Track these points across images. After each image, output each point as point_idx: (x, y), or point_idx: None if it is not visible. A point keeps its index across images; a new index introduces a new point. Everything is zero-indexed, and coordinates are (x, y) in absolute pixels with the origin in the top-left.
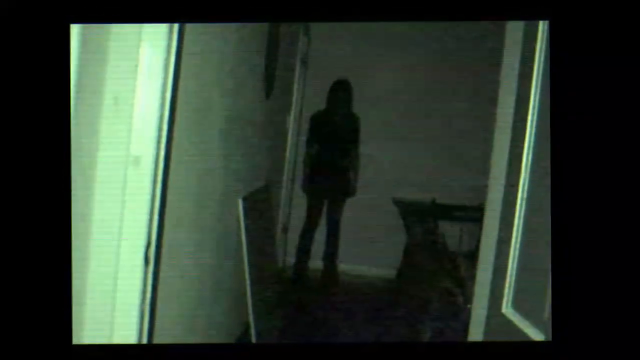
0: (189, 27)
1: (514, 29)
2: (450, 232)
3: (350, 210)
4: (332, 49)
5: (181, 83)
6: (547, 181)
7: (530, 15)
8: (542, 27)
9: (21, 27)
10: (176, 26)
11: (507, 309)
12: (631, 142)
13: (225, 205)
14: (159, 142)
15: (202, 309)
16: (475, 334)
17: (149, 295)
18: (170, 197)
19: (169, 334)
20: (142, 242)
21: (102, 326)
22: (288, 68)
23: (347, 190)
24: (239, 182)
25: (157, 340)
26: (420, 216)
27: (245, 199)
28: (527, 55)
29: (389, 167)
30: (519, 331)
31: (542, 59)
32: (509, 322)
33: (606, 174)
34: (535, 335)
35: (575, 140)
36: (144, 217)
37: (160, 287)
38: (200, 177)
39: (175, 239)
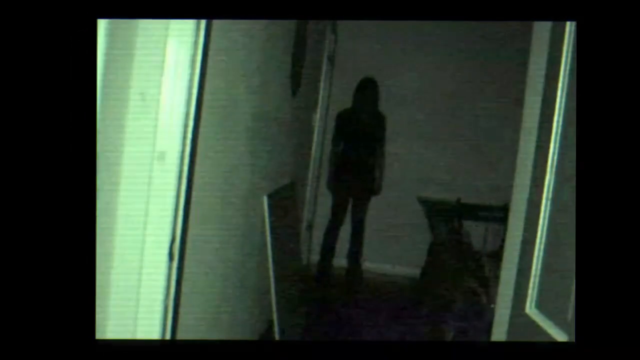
0: (216, 23)
1: (541, 30)
2: (475, 231)
3: (375, 209)
4: (359, 47)
5: (207, 79)
6: (573, 182)
7: (557, 16)
8: (569, 27)
9: (48, 21)
10: (203, 22)
11: (530, 309)
12: None
13: (251, 202)
14: (184, 138)
15: (226, 305)
16: (499, 333)
17: (173, 291)
18: (195, 193)
19: (193, 330)
20: (166, 238)
21: (125, 322)
22: (315, 66)
23: (372, 188)
24: (264, 179)
25: (180, 336)
26: (445, 215)
27: (270, 196)
28: (553, 55)
29: (415, 165)
30: (542, 332)
31: (569, 59)
32: (533, 323)
33: (632, 176)
34: (559, 336)
35: (601, 141)
36: (169, 213)
37: (184, 283)
38: (225, 173)
39: (200, 235)
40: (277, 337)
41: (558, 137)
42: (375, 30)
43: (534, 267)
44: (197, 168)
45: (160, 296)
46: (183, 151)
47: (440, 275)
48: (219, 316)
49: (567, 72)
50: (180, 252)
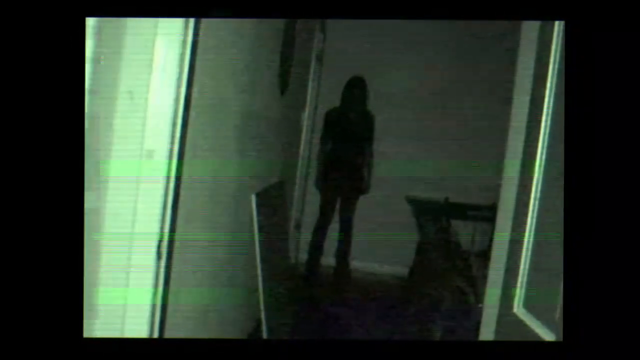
0: (204, 22)
1: (530, 29)
2: (463, 231)
3: (363, 208)
4: (347, 46)
5: (196, 78)
6: (560, 181)
7: (545, 16)
8: (558, 27)
9: (37, 20)
10: (192, 21)
11: (518, 308)
12: None
13: (239, 201)
14: (173, 136)
15: (214, 304)
16: (486, 333)
17: (160, 289)
18: (183, 192)
19: (181, 329)
20: (154, 237)
21: (113, 320)
22: (303, 65)
23: (360, 187)
24: (252, 178)
25: (168, 334)
26: (433, 215)
27: (258, 195)
28: (542, 55)
29: (403, 165)
30: (530, 331)
31: (557, 59)
32: (520, 322)
33: (619, 175)
34: (546, 335)
35: (589, 141)
36: (157, 212)
37: (172, 282)
38: (214, 172)
39: (188, 234)
40: (265, 335)
41: (546, 137)
42: (364, 29)
43: (521, 267)
44: (185, 167)
45: (148, 295)
46: (171, 150)
47: (428, 275)
48: (207, 315)
49: (555, 71)
50: (168, 251)
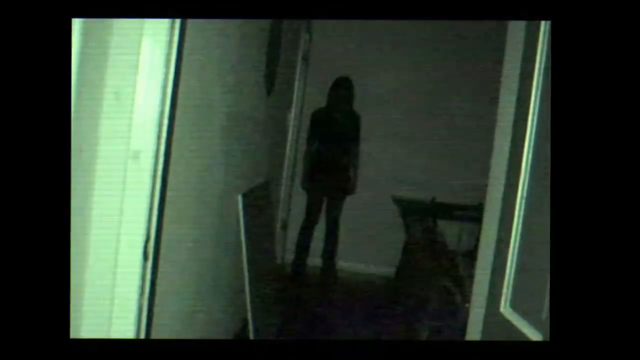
0: (190, 22)
1: (516, 29)
2: (450, 231)
3: (349, 208)
4: (333, 46)
5: (182, 79)
6: (547, 181)
7: (532, 15)
8: (544, 27)
9: (22, 20)
10: (178, 21)
11: (505, 308)
12: (631, 142)
13: (225, 201)
14: (159, 137)
15: (201, 305)
16: (473, 333)
17: (147, 290)
18: (169, 193)
19: (167, 330)
20: (141, 237)
21: (100, 321)
22: (289, 65)
23: (346, 187)
24: (239, 179)
25: (155, 335)
26: (419, 215)
27: (245, 195)
28: (528, 55)
29: (389, 165)
30: (516, 331)
31: (544, 59)
32: (507, 322)
33: (606, 175)
34: (533, 335)
35: (576, 141)
36: (144, 212)
37: (158, 283)
38: (200, 172)
39: (175, 235)
40: (251, 336)
41: (533, 136)
42: (350, 30)
43: (508, 267)
44: (172, 167)
45: (134, 295)
46: (157, 150)
47: (415, 275)
48: (193, 315)
49: (542, 71)
50: (154, 252)
